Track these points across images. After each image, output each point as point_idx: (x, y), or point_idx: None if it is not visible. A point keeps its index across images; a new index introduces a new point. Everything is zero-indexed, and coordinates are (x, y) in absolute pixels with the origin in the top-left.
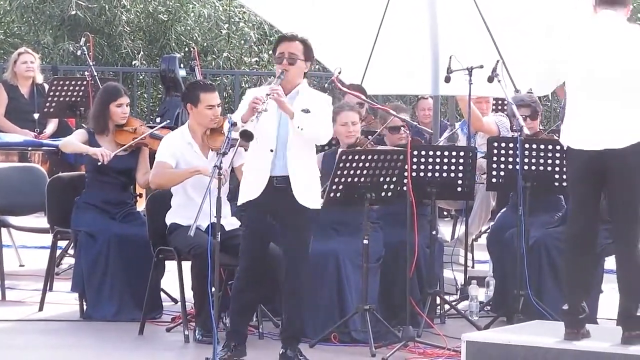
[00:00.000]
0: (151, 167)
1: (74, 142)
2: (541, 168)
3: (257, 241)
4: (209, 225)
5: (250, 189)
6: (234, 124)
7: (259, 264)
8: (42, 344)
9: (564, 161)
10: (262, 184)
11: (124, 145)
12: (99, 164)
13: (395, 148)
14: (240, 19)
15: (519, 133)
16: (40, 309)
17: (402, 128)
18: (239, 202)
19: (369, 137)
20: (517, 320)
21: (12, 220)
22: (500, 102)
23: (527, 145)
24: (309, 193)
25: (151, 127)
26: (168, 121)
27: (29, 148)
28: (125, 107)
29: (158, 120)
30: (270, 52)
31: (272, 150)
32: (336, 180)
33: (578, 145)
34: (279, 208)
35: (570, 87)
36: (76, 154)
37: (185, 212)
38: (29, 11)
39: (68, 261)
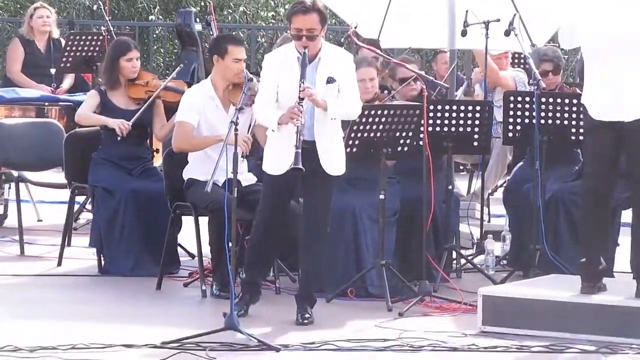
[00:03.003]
0: (167, 119)
1: (89, 115)
2: (558, 122)
3: (277, 195)
4: (225, 181)
5: (278, 161)
6: (250, 80)
7: (278, 217)
8: (60, 298)
9: (581, 115)
10: (289, 157)
11: (136, 98)
12: (118, 138)
13: (411, 103)
14: None
15: (536, 87)
16: (59, 264)
17: (414, 81)
18: (265, 169)
19: (384, 92)
20: (533, 275)
21: (30, 175)
22: (519, 56)
23: (544, 99)
24: (334, 160)
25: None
26: (180, 67)
27: (46, 103)
28: (136, 62)
29: (175, 72)
30: (287, 5)
31: (301, 105)
32: (352, 135)
33: (597, 117)
34: (304, 172)
35: (588, 49)
36: None
37: (202, 167)
38: None
39: (86, 216)
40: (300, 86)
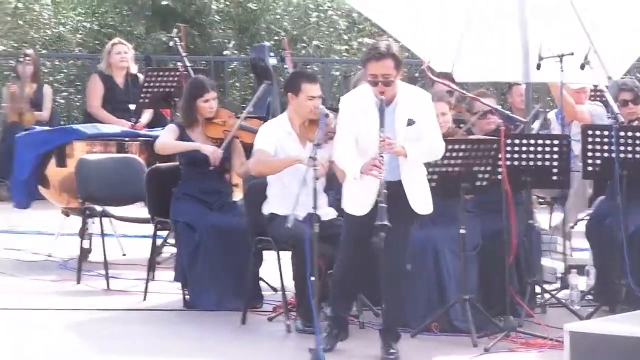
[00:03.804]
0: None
1: (174, 142)
2: (638, 156)
3: (357, 234)
4: (306, 215)
5: (359, 201)
6: (326, 115)
7: (359, 255)
8: (146, 333)
9: None
10: (372, 196)
11: (214, 138)
12: (210, 168)
13: (489, 137)
14: (329, 7)
15: (614, 120)
16: (144, 298)
17: (489, 114)
18: (346, 210)
19: (461, 125)
20: (620, 310)
21: (113, 210)
22: (595, 90)
23: (622, 133)
24: (422, 198)
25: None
26: (250, 109)
27: (126, 139)
28: (213, 102)
29: (249, 107)
30: (359, 40)
31: (381, 156)
32: (431, 170)
33: None
34: (390, 212)
35: None
36: None
37: (282, 202)
38: (122, 2)
39: (169, 250)
40: (379, 136)
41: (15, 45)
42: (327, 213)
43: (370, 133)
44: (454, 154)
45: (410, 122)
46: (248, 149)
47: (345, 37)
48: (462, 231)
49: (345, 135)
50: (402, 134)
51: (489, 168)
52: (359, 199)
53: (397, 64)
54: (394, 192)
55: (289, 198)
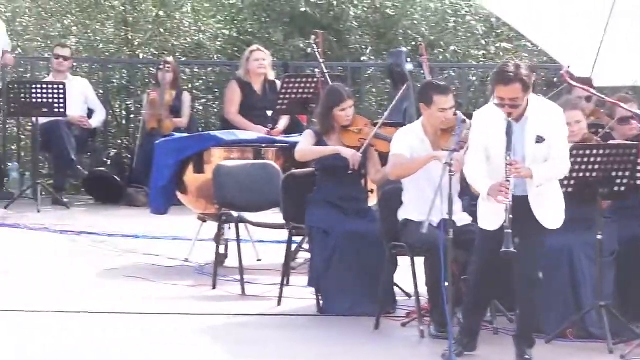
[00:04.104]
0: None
1: (313, 148)
2: None
3: (490, 247)
4: (440, 221)
5: (491, 217)
6: (463, 121)
7: (491, 267)
8: (280, 338)
9: None
10: (503, 212)
11: (350, 146)
12: (349, 172)
13: (627, 142)
14: (467, 12)
15: None
16: (279, 303)
17: (631, 119)
18: (479, 224)
19: (599, 130)
20: None
21: (249, 216)
22: None
23: None
24: (550, 212)
25: (377, 124)
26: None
27: (263, 145)
28: (349, 110)
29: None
30: (497, 44)
31: (508, 180)
32: (567, 175)
33: None
34: (518, 225)
35: None
36: None
37: (417, 208)
38: (261, 9)
39: (303, 256)
40: (506, 159)
41: (156, 52)
42: (462, 219)
43: (500, 153)
44: (592, 159)
45: (539, 140)
46: (382, 158)
47: (483, 42)
48: (599, 237)
49: (476, 151)
50: (531, 150)
51: (627, 173)
52: (490, 214)
53: (524, 88)
54: (521, 206)
55: (424, 204)
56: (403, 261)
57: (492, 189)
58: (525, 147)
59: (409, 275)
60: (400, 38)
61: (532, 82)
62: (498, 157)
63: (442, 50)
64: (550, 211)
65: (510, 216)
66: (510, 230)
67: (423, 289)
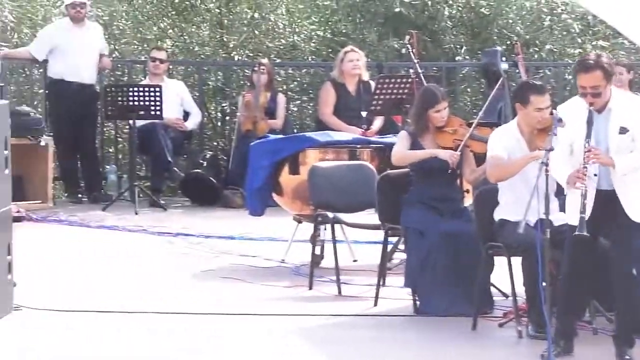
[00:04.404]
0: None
1: (408, 152)
2: None
3: (579, 245)
4: (537, 221)
5: (575, 212)
6: (559, 120)
7: (584, 258)
8: (376, 338)
9: None
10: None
11: (444, 147)
12: (449, 171)
13: None
14: (562, 10)
15: None
16: (375, 304)
17: None
18: (568, 221)
19: None
20: None
21: (344, 217)
22: None
23: None
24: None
25: (472, 124)
26: (480, 113)
27: (358, 146)
28: (444, 112)
29: (480, 114)
30: (594, 43)
31: (595, 175)
32: None
33: None
34: (608, 220)
35: None
36: None
37: (513, 208)
38: (355, 10)
39: (399, 256)
40: (585, 147)
41: (251, 54)
42: (558, 218)
43: (583, 143)
44: None
45: (623, 131)
46: (477, 159)
47: (579, 40)
48: None
49: (559, 142)
50: (615, 142)
51: None
52: (575, 209)
53: (606, 75)
54: (609, 200)
55: (520, 204)
56: (500, 261)
57: (570, 176)
58: (608, 139)
59: (506, 275)
60: (495, 37)
61: (613, 71)
62: (581, 150)
63: (537, 49)
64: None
65: (586, 201)
66: (584, 215)
67: (521, 289)
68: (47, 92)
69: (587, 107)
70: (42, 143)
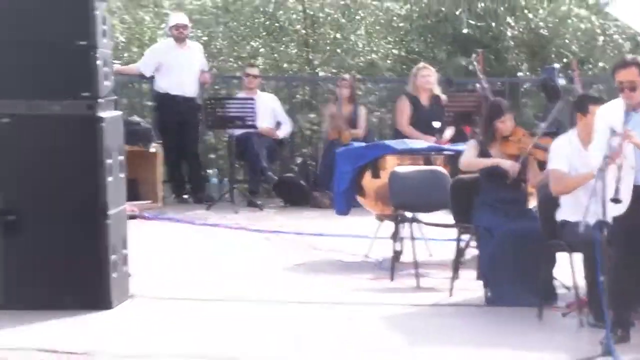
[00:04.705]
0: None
1: (476, 160)
2: None
3: (626, 235)
4: (596, 222)
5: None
6: (612, 132)
7: (631, 257)
8: (451, 325)
9: None
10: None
11: (510, 155)
12: (508, 181)
13: None
14: (614, 31)
15: None
16: (450, 294)
17: None
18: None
19: None
20: None
21: (422, 216)
22: None
23: None
24: None
25: (534, 134)
26: (542, 124)
27: (432, 153)
28: (509, 122)
29: (542, 125)
30: None
31: (632, 168)
32: None
33: None
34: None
35: None
36: None
37: (573, 210)
38: (427, 31)
39: (471, 252)
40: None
41: (334, 70)
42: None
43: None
44: None
45: None
46: (540, 165)
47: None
48: None
49: (598, 142)
50: None
51: None
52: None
53: None
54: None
55: (579, 206)
56: (562, 256)
57: (609, 156)
58: None
59: (568, 270)
60: (553, 55)
61: None
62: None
63: (591, 66)
64: None
65: (619, 186)
66: (619, 186)
67: (582, 282)
68: (154, 104)
69: (624, 108)
70: (152, 150)
